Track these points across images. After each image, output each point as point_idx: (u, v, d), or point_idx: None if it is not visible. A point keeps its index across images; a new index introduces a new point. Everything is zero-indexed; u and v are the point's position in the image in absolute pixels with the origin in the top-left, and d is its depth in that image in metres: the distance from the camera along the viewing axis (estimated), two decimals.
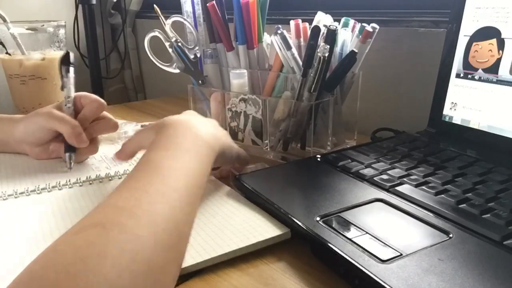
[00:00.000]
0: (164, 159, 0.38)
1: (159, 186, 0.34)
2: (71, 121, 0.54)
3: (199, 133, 0.44)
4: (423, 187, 0.44)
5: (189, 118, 0.46)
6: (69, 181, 0.51)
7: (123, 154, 0.51)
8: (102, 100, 0.58)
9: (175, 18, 0.64)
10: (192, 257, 0.36)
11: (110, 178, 0.53)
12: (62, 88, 0.57)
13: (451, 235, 0.36)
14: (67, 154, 0.55)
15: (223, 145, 0.47)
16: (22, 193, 0.49)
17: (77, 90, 0.59)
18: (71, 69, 0.58)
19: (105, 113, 0.59)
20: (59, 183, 0.51)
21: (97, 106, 0.58)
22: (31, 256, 0.38)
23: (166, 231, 0.31)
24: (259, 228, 0.40)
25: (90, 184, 0.52)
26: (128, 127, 0.69)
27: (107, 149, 0.63)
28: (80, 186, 0.51)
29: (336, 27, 0.54)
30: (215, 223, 0.42)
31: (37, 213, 0.45)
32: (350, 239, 0.36)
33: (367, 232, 0.37)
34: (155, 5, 0.64)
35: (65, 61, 0.58)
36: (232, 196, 0.47)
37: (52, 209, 0.46)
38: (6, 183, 0.52)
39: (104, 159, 0.60)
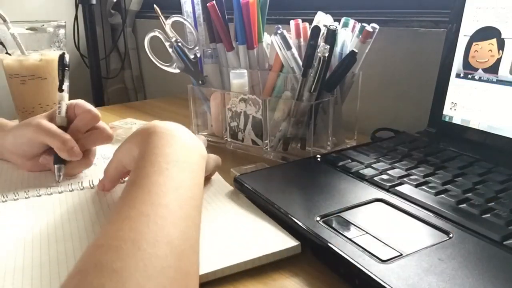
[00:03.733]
0: (150, 176, 0.35)
1: (143, 207, 0.32)
2: (61, 134, 0.50)
3: (185, 140, 0.41)
4: (423, 187, 0.44)
5: (172, 126, 0.42)
6: (70, 185, 0.51)
7: (108, 182, 0.47)
8: (96, 111, 0.54)
9: (175, 18, 0.64)
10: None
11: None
12: (60, 89, 0.55)
13: (451, 235, 0.36)
14: (56, 166, 0.51)
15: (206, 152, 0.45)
16: (16, 199, 0.48)
17: (77, 90, 0.58)
18: (66, 72, 0.56)
19: (100, 123, 0.55)
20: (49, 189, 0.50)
21: (90, 118, 0.53)
22: (32, 260, 0.38)
23: (156, 254, 0.28)
24: (268, 240, 0.38)
25: (81, 189, 0.50)
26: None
27: (104, 149, 0.63)
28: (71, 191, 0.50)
29: (336, 27, 0.54)
30: (221, 232, 0.40)
31: (28, 220, 0.44)
32: (350, 239, 0.36)
33: (367, 232, 0.37)
34: (155, 5, 0.64)
35: (61, 62, 0.56)
36: (236, 200, 0.46)
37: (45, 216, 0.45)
38: (2, 186, 0.51)
39: (101, 158, 0.60)
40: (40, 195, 0.49)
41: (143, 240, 0.29)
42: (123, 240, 0.28)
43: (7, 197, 0.48)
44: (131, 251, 0.28)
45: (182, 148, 0.40)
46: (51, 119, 0.53)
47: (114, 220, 0.31)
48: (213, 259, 0.36)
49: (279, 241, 0.38)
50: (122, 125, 0.69)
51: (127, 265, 0.26)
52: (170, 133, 0.41)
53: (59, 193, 0.49)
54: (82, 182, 0.51)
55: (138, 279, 0.26)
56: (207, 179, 0.51)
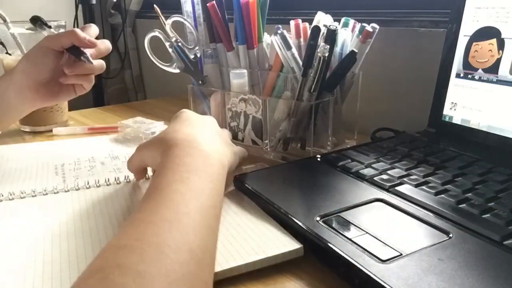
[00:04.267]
0: (172, 184, 0.36)
1: (166, 213, 0.32)
2: (72, 30, 0.56)
3: (207, 150, 0.42)
4: (423, 187, 0.44)
5: (195, 135, 0.44)
6: (88, 182, 0.51)
7: (136, 173, 0.50)
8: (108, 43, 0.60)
9: (175, 18, 0.64)
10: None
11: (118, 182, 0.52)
12: (89, 60, 0.57)
13: (451, 235, 0.36)
14: (82, 57, 0.56)
15: (230, 157, 0.47)
16: (23, 197, 0.48)
17: None
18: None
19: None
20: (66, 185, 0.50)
21: (105, 48, 0.59)
22: (43, 256, 0.38)
23: (178, 260, 0.28)
24: (271, 242, 0.38)
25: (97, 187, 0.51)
26: (156, 127, 0.69)
27: (111, 148, 0.63)
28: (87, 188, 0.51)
29: (336, 27, 0.54)
30: (222, 233, 0.40)
31: (36, 217, 0.44)
32: (350, 239, 0.36)
33: (367, 232, 0.37)
34: (155, 5, 0.64)
35: (74, 51, 0.57)
36: (237, 200, 0.46)
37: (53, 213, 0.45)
38: (3, 185, 0.51)
39: (110, 157, 0.60)
40: (46, 194, 0.49)
41: (165, 246, 0.29)
42: (147, 243, 0.29)
43: (14, 195, 0.48)
44: (155, 255, 0.28)
45: (201, 157, 0.41)
46: None
47: (137, 223, 0.32)
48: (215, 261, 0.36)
49: (282, 243, 0.38)
50: (131, 124, 0.70)
51: (150, 268, 0.27)
52: (190, 144, 0.42)
53: (66, 191, 0.50)
54: (88, 181, 0.51)
55: (160, 284, 0.26)
56: (238, 168, 0.52)
